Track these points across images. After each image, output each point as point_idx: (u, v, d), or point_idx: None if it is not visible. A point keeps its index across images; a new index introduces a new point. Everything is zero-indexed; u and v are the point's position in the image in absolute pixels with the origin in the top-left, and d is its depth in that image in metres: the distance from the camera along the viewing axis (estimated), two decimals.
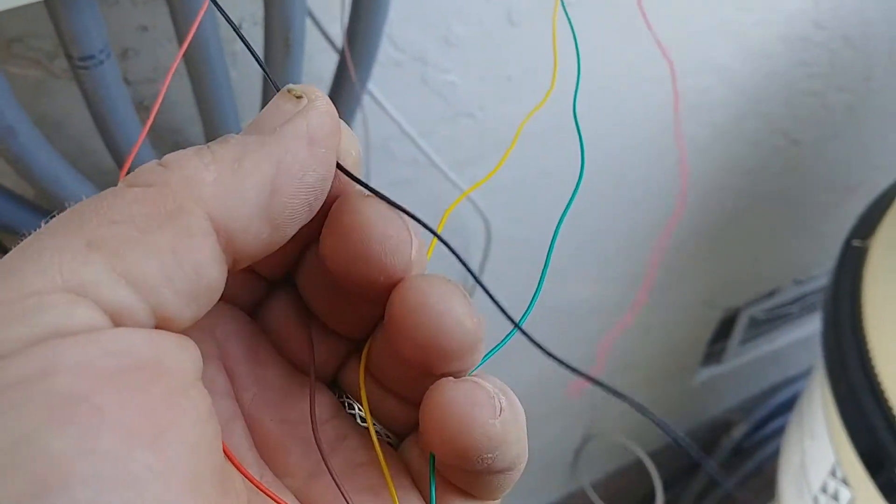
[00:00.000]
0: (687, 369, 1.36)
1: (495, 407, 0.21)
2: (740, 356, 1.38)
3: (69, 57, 0.42)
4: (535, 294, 0.24)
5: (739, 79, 0.87)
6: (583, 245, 0.93)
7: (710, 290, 1.19)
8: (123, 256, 0.17)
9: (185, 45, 0.45)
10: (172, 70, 0.45)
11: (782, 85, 0.90)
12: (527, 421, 0.24)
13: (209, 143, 0.20)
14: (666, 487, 1.17)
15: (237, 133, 0.21)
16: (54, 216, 0.19)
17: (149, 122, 0.28)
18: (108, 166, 0.58)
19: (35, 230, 0.18)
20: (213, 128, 0.52)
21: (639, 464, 1.22)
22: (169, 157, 0.19)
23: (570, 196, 0.27)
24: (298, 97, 0.21)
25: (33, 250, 0.17)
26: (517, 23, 0.67)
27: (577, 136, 0.29)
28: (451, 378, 0.22)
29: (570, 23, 0.48)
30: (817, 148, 1.03)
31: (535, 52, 0.70)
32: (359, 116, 0.63)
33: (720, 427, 1.45)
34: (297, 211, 0.20)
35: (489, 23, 0.66)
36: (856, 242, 0.80)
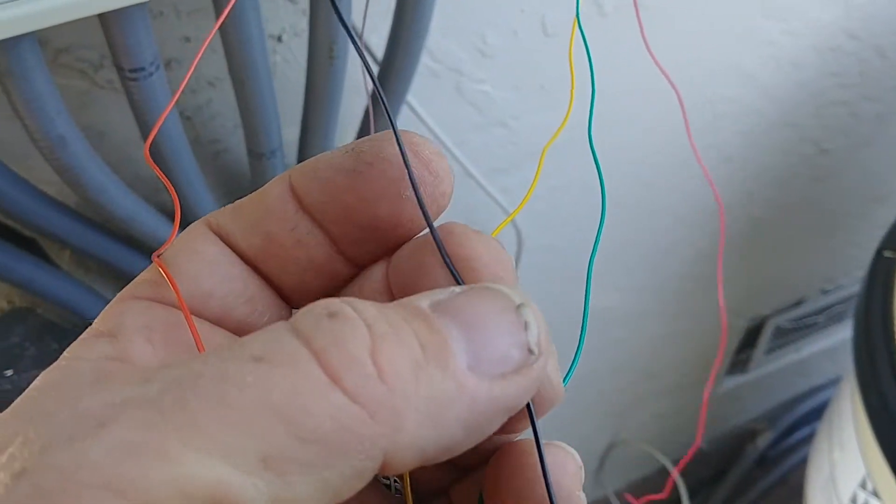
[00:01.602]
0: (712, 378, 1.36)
1: (581, 476, 0.20)
2: (766, 365, 1.38)
3: (119, 69, 0.43)
4: (576, 353, 0.23)
5: (769, 88, 0.87)
6: (608, 254, 0.93)
7: (737, 299, 1.19)
8: (293, 492, 0.14)
9: (219, 22, 0.46)
10: (205, 45, 0.46)
11: (812, 94, 0.90)
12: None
13: (430, 353, 0.16)
14: (691, 496, 1.17)
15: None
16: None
17: (173, 100, 0.28)
18: (148, 174, 0.59)
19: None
20: (255, 137, 0.53)
21: (663, 472, 1.22)
22: (387, 362, 0.15)
23: (597, 231, 0.26)
24: (531, 351, 0.17)
25: (199, 442, 0.14)
26: (551, 33, 0.68)
27: (598, 151, 0.29)
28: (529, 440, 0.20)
29: (584, 42, 0.48)
30: (846, 157, 1.03)
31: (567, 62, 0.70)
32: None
33: (745, 436, 1.45)
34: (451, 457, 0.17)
35: (523, 33, 0.67)
36: (887, 253, 0.79)
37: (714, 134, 0.88)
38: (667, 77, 0.52)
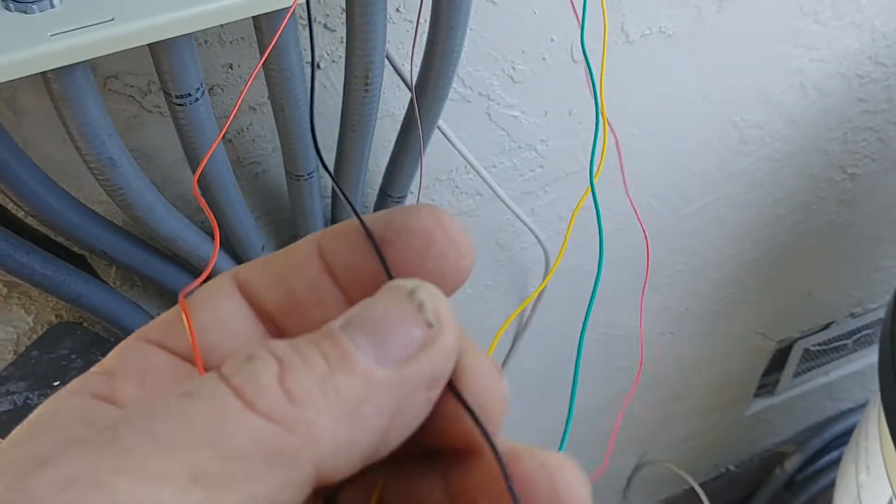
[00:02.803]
0: (740, 400, 1.36)
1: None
2: (794, 388, 1.38)
3: (167, 94, 0.45)
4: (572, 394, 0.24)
5: (796, 114, 0.88)
6: (636, 275, 0.95)
7: (765, 322, 1.19)
8: (224, 501, 0.16)
9: (264, 58, 0.48)
10: (250, 81, 0.48)
11: (839, 120, 0.91)
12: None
13: (334, 364, 0.17)
14: None
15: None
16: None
17: (221, 132, 0.30)
18: (192, 195, 0.61)
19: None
20: (293, 161, 0.55)
21: (691, 493, 1.22)
22: (293, 382, 0.17)
23: (592, 291, 0.27)
24: (430, 325, 0.18)
25: (130, 469, 0.15)
26: (579, 60, 0.70)
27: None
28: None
29: (592, 78, 0.50)
30: (874, 181, 1.04)
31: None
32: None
33: (773, 459, 1.44)
34: (392, 447, 0.19)
35: (552, 60, 0.69)
36: None
37: (741, 159, 0.89)
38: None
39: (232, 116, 0.44)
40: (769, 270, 1.08)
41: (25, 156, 0.45)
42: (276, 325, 0.21)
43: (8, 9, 0.38)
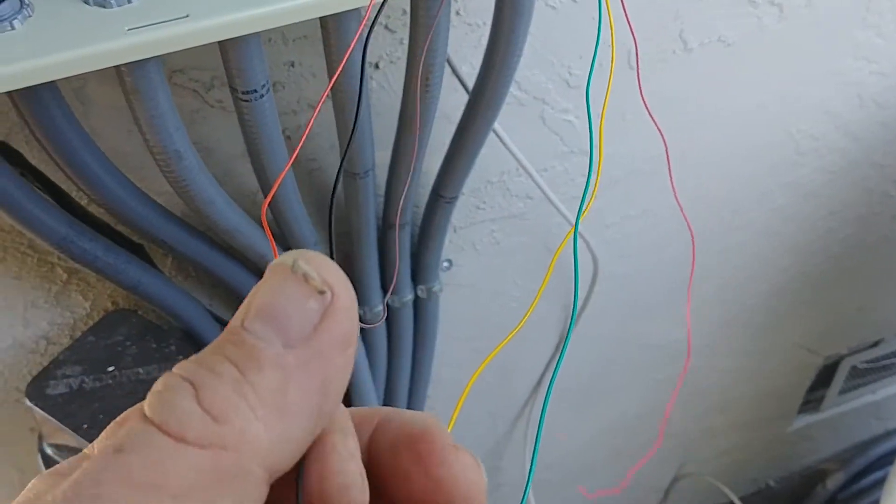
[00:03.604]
0: (783, 416, 1.34)
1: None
2: (839, 406, 1.36)
3: (233, 90, 0.46)
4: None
5: (853, 126, 0.87)
6: (682, 286, 0.94)
7: (812, 337, 1.18)
8: None
9: (333, 80, 0.49)
10: (320, 104, 0.49)
11: None
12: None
13: (243, 365, 0.17)
14: None
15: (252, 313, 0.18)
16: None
17: (297, 149, 0.30)
18: (249, 189, 0.62)
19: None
20: (350, 158, 0.56)
21: None
22: (211, 399, 0.17)
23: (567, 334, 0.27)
24: (322, 292, 0.18)
25: None
26: (635, 66, 0.70)
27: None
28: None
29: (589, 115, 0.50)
30: None
31: (654, 96, 0.72)
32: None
33: (814, 477, 1.42)
34: (331, 414, 0.19)
35: (608, 65, 0.69)
36: None
37: (795, 170, 0.88)
38: None
39: (308, 129, 0.45)
40: (819, 284, 1.07)
41: (95, 145, 0.46)
42: None
43: (87, 3, 0.39)
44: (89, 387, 0.60)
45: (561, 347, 0.90)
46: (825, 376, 1.27)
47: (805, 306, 1.10)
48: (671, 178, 0.71)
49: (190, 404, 0.17)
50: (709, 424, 1.23)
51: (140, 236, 0.58)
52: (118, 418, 0.18)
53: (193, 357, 0.18)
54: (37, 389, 0.59)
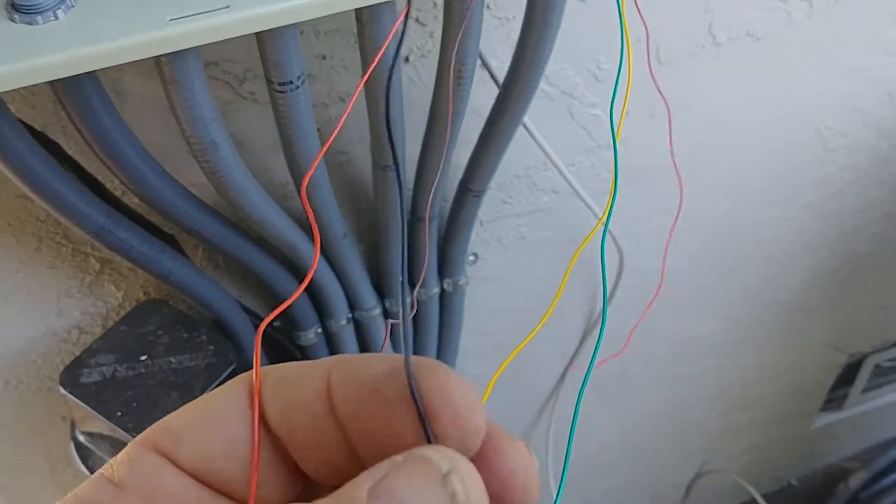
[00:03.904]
0: (806, 413, 1.34)
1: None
2: (862, 404, 1.35)
3: (269, 81, 0.46)
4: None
5: (883, 124, 0.86)
6: (711, 282, 0.94)
7: (837, 334, 1.17)
8: None
9: (367, 75, 0.49)
10: (354, 97, 0.50)
11: None
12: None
13: None
14: None
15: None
16: None
17: (328, 142, 0.30)
18: (279, 180, 0.63)
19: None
20: (381, 151, 0.56)
21: None
22: None
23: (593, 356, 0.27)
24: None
25: None
26: (664, 61, 0.70)
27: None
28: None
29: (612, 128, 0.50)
30: None
31: (681, 89, 0.72)
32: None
33: (837, 475, 1.42)
34: None
35: (638, 60, 0.69)
36: None
37: (823, 167, 0.88)
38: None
39: (339, 125, 0.45)
40: (845, 282, 1.06)
41: (133, 135, 0.47)
42: (279, 445, 0.22)
43: None
44: (122, 375, 0.61)
45: (588, 341, 0.90)
46: (849, 374, 1.27)
47: (830, 304, 1.10)
48: (678, 174, 0.71)
49: None
50: (731, 421, 1.23)
51: (173, 226, 0.59)
52: None
53: None
54: (71, 377, 0.60)
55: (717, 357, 1.09)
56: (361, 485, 0.18)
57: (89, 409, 0.60)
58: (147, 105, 0.55)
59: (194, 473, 0.21)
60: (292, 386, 0.21)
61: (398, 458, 0.19)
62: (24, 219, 0.57)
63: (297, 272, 0.65)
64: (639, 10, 0.58)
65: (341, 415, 0.21)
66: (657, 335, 1.00)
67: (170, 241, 0.60)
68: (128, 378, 0.61)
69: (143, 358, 0.61)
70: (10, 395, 0.67)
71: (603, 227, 0.77)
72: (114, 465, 0.21)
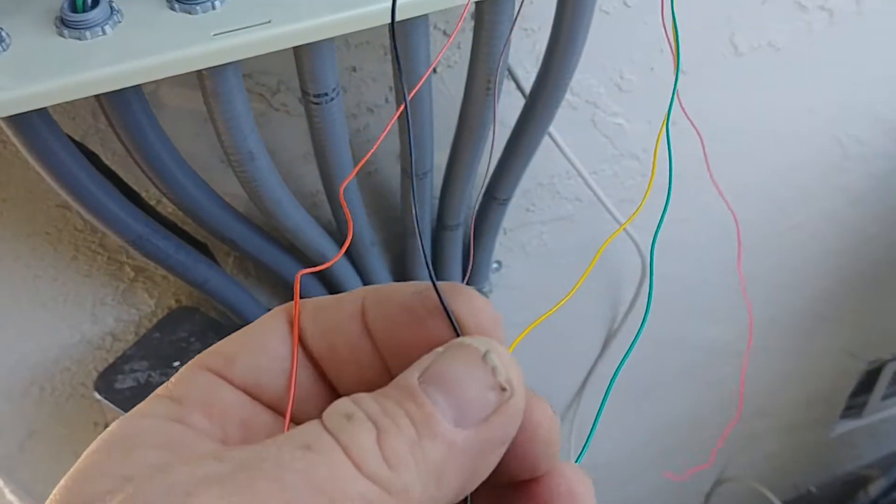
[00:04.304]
0: (826, 421, 1.34)
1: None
2: (882, 411, 1.35)
3: (305, 93, 0.48)
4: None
5: None
6: (732, 288, 0.95)
7: (856, 341, 1.18)
8: None
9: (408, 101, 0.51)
10: (392, 121, 0.51)
11: None
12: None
13: (420, 429, 0.19)
14: None
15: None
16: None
17: (367, 156, 0.31)
18: (309, 190, 0.64)
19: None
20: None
21: None
22: (390, 448, 0.19)
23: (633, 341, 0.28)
24: (503, 389, 0.20)
25: None
26: (686, 70, 0.71)
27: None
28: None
29: (668, 140, 0.51)
30: None
31: (704, 99, 0.73)
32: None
33: (856, 483, 1.42)
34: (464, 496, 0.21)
35: (660, 70, 0.70)
36: None
37: (843, 175, 0.88)
38: None
39: (383, 135, 0.46)
40: (864, 289, 1.07)
41: (173, 146, 0.48)
42: (318, 366, 0.24)
43: (172, 9, 0.41)
44: (156, 381, 0.62)
45: (610, 348, 0.91)
46: (868, 381, 1.27)
47: (849, 311, 1.10)
48: (711, 175, 0.72)
49: (371, 442, 0.19)
50: (751, 428, 1.23)
51: (207, 234, 0.60)
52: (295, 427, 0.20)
53: (373, 396, 0.20)
54: (106, 383, 0.61)
55: (736, 364, 1.10)
56: (412, 374, 0.20)
57: (124, 413, 0.61)
58: (181, 116, 0.56)
59: (245, 389, 0.23)
60: (329, 311, 0.24)
61: (439, 349, 0.21)
62: (62, 228, 0.59)
63: (326, 281, 0.66)
64: (664, 27, 0.59)
65: (375, 333, 0.23)
66: (677, 342, 1.00)
67: (202, 249, 0.61)
68: (161, 384, 0.62)
69: (176, 364, 0.63)
70: (45, 402, 0.69)
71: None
72: (170, 386, 0.23)
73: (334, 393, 0.24)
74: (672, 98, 0.38)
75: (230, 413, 0.23)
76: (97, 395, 0.61)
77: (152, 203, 0.59)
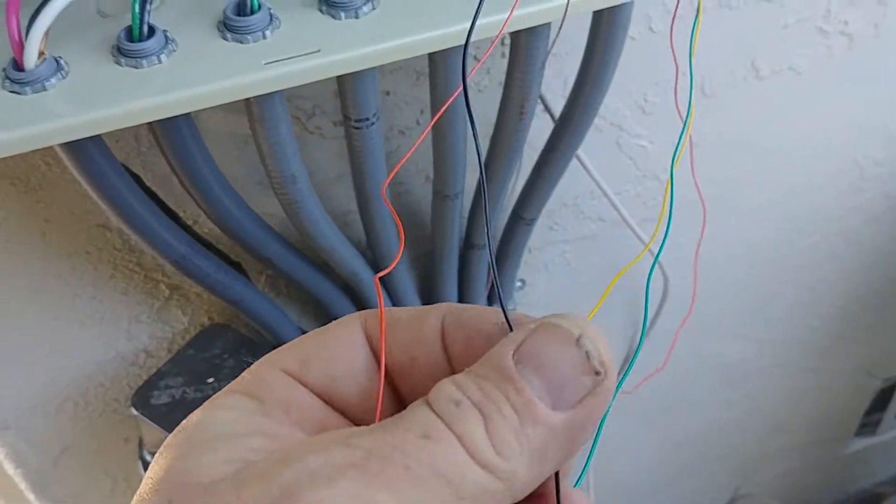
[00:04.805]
0: (840, 438, 1.34)
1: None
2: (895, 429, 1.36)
3: (347, 118, 0.49)
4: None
5: None
6: (750, 305, 0.96)
7: (871, 360, 1.18)
8: None
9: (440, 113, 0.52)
10: (424, 134, 0.52)
11: None
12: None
13: (522, 415, 0.20)
14: None
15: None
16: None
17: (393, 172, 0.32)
18: (340, 210, 0.65)
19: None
20: (444, 180, 0.58)
21: None
22: (497, 435, 0.20)
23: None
24: (597, 372, 0.21)
25: (396, 496, 0.19)
26: (709, 94, 0.72)
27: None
28: None
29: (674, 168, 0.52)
30: None
31: (725, 122, 0.75)
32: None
33: (870, 500, 1.42)
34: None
35: (682, 93, 0.71)
36: None
37: (860, 195, 0.90)
38: None
39: (411, 151, 0.48)
40: (880, 307, 1.08)
41: (217, 168, 0.49)
42: (390, 376, 0.25)
43: (225, 38, 0.42)
44: (191, 397, 0.63)
45: (628, 365, 0.92)
46: (882, 399, 1.28)
47: (865, 329, 1.11)
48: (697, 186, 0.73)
49: (482, 432, 0.20)
50: (766, 445, 1.24)
51: (242, 254, 0.62)
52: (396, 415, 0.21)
53: (473, 380, 0.21)
54: (142, 399, 0.63)
55: (753, 381, 1.10)
56: (505, 352, 0.21)
57: (161, 429, 0.62)
58: (221, 140, 0.58)
59: (319, 393, 0.24)
60: (410, 325, 0.25)
61: (530, 325, 0.22)
62: (101, 247, 0.60)
63: (357, 299, 0.67)
64: (672, 48, 0.60)
65: (452, 352, 0.24)
66: (695, 359, 1.01)
67: (237, 268, 0.63)
68: (196, 400, 0.63)
69: (210, 380, 0.64)
70: (79, 417, 0.70)
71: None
72: (245, 383, 0.24)
73: (399, 400, 0.25)
74: (686, 120, 0.39)
75: (308, 415, 0.24)
76: (133, 411, 0.62)
77: (189, 223, 0.60)
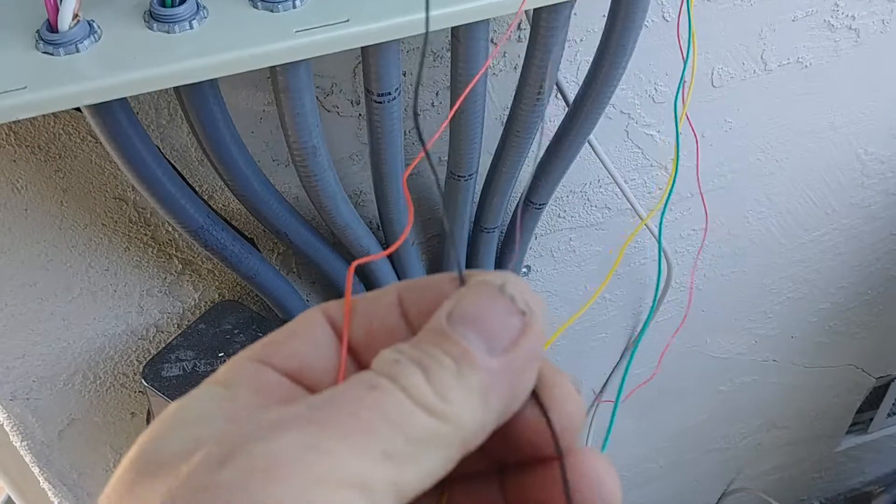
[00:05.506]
0: (832, 435, 1.36)
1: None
2: (887, 428, 1.37)
3: (369, 92, 0.50)
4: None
5: None
6: (749, 300, 0.97)
7: (866, 357, 1.20)
8: (406, 475, 0.20)
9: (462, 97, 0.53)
10: (450, 117, 0.52)
11: None
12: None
13: (459, 361, 0.21)
14: None
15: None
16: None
17: (420, 155, 0.33)
18: (354, 189, 0.66)
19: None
20: (459, 162, 0.59)
21: None
22: (438, 382, 0.21)
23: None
24: (523, 313, 0.22)
25: (346, 442, 0.20)
26: (718, 85, 0.73)
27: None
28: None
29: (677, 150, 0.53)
30: None
31: (734, 111, 0.75)
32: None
33: (860, 498, 1.43)
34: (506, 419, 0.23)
35: (697, 84, 0.72)
36: None
37: (861, 191, 0.91)
38: None
39: (438, 134, 0.48)
40: (877, 304, 1.09)
41: (241, 140, 0.50)
42: (356, 353, 0.26)
43: (255, 7, 0.43)
44: (201, 370, 0.64)
45: (629, 357, 0.93)
46: (875, 397, 1.29)
47: (860, 326, 1.12)
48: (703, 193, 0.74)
49: (422, 381, 0.21)
50: (760, 440, 1.25)
51: (260, 227, 0.62)
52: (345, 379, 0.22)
53: (411, 343, 0.22)
54: (153, 371, 0.63)
55: (748, 376, 1.11)
56: (440, 317, 0.23)
57: (169, 401, 0.63)
58: (238, 115, 0.58)
59: (287, 374, 0.25)
60: (367, 303, 0.26)
61: (462, 290, 0.23)
62: (117, 219, 0.61)
63: (366, 278, 0.68)
64: (679, 39, 0.61)
65: (412, 317, 0.25)
66: (691, 353, 1.02)
67: (251, 243, 0.63)
68: (206, 373, 0.64)
69: (221, 355, 0.64)
70: (87, 390, 0.70)
71: (651, 241, 0.80)
72: (218, 375, 0.25)
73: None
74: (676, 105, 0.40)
75: (278, 394, 0.24)
76: (144, 383, 0.63)
77: (205, 197, 0.61)
